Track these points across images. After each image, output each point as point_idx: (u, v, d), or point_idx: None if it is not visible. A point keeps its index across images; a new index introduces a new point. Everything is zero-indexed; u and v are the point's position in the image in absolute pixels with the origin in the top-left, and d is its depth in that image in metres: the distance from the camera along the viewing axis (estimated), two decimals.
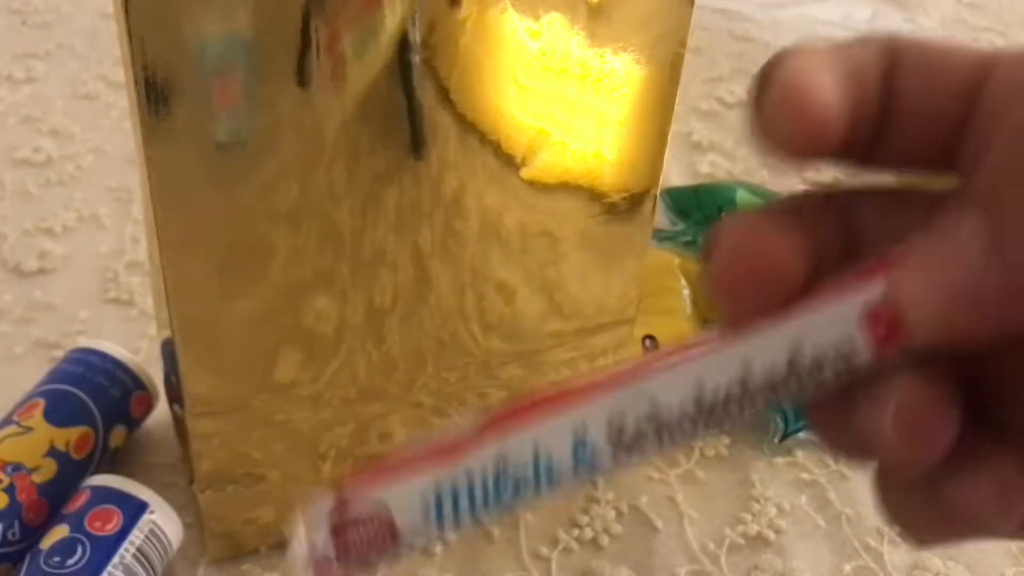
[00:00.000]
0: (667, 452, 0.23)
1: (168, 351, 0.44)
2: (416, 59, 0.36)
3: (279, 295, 0.40)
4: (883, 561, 0.49)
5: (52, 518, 0.45)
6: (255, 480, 0.45)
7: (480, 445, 0.23)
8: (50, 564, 0.42)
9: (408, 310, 0.42)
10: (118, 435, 0.49)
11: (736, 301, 0.22)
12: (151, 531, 0.44)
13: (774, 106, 0.22)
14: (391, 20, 0.35)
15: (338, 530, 0.24)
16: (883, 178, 0.24)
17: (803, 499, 0.52)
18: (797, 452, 0.54)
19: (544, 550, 0.49)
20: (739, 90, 0.77)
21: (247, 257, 0.38)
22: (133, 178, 0.65)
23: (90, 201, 0.65)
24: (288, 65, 0.35)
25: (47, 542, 0.43)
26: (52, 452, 0.46)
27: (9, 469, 0.45)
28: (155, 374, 0.51)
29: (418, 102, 0.37)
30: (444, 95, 0.37)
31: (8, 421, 0.47)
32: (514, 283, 0.43)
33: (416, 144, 0.38)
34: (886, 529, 0.50)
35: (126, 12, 0.32)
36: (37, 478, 0.45)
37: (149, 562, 0.44)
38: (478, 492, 0.23)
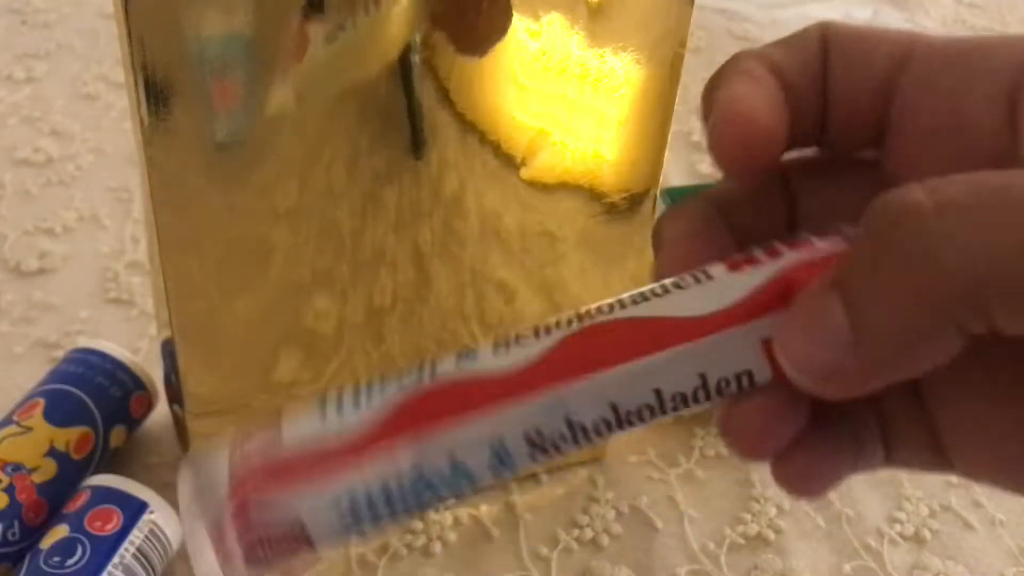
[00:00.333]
0: (585, 448, 0.23)
1: (168, 351, 0.44)
2: (416, 59, 0.36)
3: (279, 295, 0.40)
4: (883, 561, 0.49)
5: (52, 518, 0.45)
6: None
7: (391, 447, 0.23)
8: (50, 564, 0.42)
9: (408, 310, 0.42)
10: (118, 435, 0.49)
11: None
12: (151, 531, 0.44)
13: (718, 133, 0.24)
14: (391, 19, 0.35)
15: (243, 533, 0.23)
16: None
17: (803, 499, 0.52)
18: None
19: (544, 550, 0.49)
20: None
21: (247, 257, 0.38)
22: (133, 178, 0.65)
23: (90, 201, 0.65)
24: (288, 65, 0.35)
25: (47, 542, 0.43)
26: (52, 452, 0.46)
27: (9, 469, 0.45)
28: (155, 374, 0.51)
29: (418, 102, 0.37)
30: (444, 95, 0.37)
31: (8, 421, 0.47)
32: (514, 283, 0.43)
33: (416, 144, 0.38)
34: (886, 529, 0.50)
35: (126, 12, 0.32)
36: (37, 478, 0.45)
37: (149, 562, 0.44)
38: (395, 495, 0.23)
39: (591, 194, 0.42)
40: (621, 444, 0.53)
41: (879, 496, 0.52)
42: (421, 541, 0.48)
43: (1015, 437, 0.23)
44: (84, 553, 0.42)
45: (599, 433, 0.23)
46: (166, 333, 0.43)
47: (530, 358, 0.23)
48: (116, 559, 0.43)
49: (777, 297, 0.23)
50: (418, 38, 0.36)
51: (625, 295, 0.23)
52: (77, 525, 0.43)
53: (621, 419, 0.23)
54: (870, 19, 0.89)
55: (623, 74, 0.39)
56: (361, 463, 0.23)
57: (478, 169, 0.39)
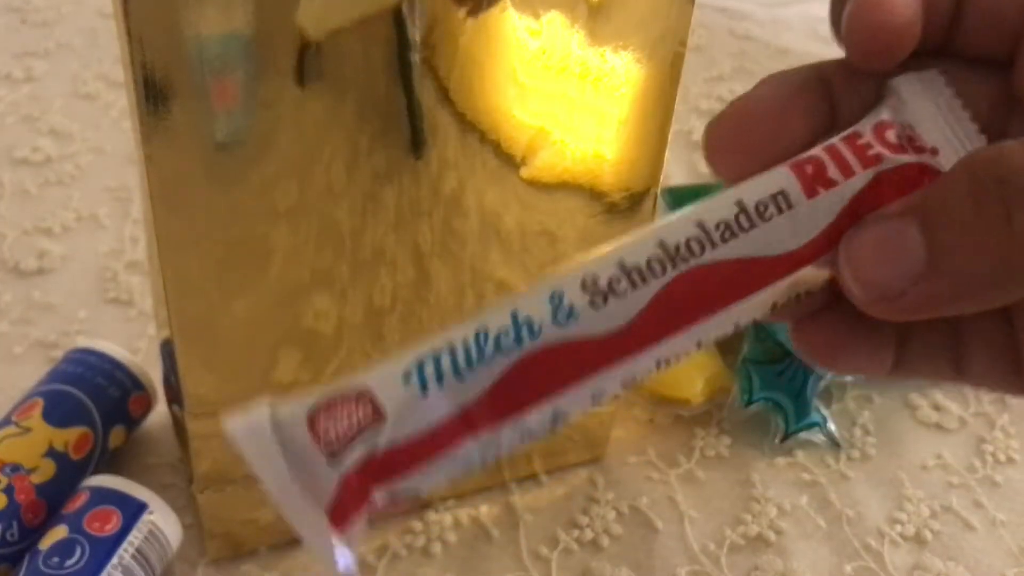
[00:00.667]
0: (642, 299, 0.23)
1: (167, 351, 0.44)
2: (416, 58, 0.36)
3: (278, 295, 0.40)
4: (884, 562, 0.49)
5: (51, 519, 0.45)
6: (254, 480, 0.45)
7: (504, 421, 0.23)
8: (49, 565, 0.42)
9: (408, 310, 0.42)
10: (117, 435, 0.49)
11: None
12: (150, 532, 0.44)
13: (854, 19, 0.24)
14: (391, 19, 0.35)
15: (313, 415, 0.23)
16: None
17: (804, 499, 0.51)
18: (798, 452, 0.53)
19: (544, 550, 0.49)
20: (740, 89, 0.76)
21: (246, 256, 0.38)
22: (132, 178, 0.65)
23: (89, 201, 0.65)
24: (288, 64, 0.35)
25: (46, 543, 0.43)
26: (51, 452, 0.46)
27: (8, 469, 0.45)
28: (154, 374, 0.51)
29: (418, 101, 0.37)
30: (444, 94, 0.37)
31: (7, 421, 0.47)
32: (514, 283, 0.43)
33: (416, 143, 0.38)
34: (887, 529, 0.50)
35: (125, 11, 0.32)
36: (36, 478, 0.45)
37: (148, 562, 0.44)
38: (460, 354, 0.23)
39: (591, 193, 0.42)
40: (621, 444, 0.53)
41: (880, 497, 0.52)
42: (421, 542, 0.48)
43: None
44: (83, 554, 0.42)
45: (652, 270, 0.24)
46: (165, 333, 0.43)
47: (629, 315, 0.23)
48: (115, 560, 0.42)
49: (851, 221, 0.24)
50: (418, 37, 0.36)
51: (709, 221, 0.24)
52: (76, 526, 0.43)
53: (669, 250, 0.24)
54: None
55: (623, 73, 0.39)
56: (478, 436, 0.23)
57: (478, 168, 0.39)
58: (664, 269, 0.23)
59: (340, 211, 0.38)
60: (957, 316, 0.24)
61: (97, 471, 0.47)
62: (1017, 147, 0.22)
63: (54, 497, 0.45)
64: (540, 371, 0.23)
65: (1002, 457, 0.54)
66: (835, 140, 0.24)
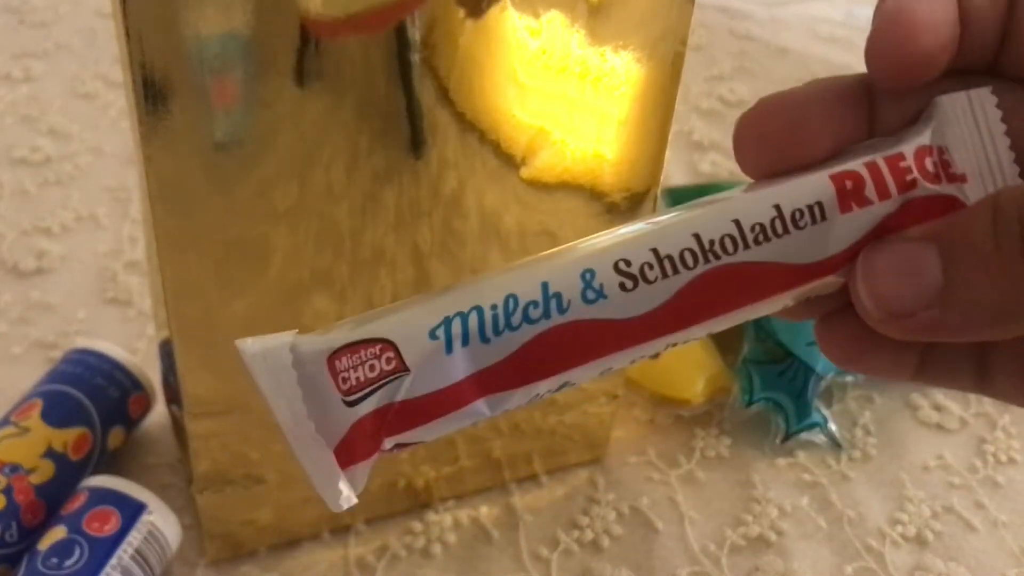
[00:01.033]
0: (669, 291, 0.24)
1: (166, 351, 0.44)
2: (416, 58, 0.36)
3: (278, 295, 0.40)
4: (884, 562, 0.49)
5: (50, 519, 0.44)
6: (254, 481, 0.45)
7: (521, 385, 0.24)
8: (48, 565, 0.42)
9: None
10: (116, 436, 0.49)
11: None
12: (149, 532, 0.44)
13: (875, 38, 0.24)
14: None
15: (335, 355, 0.24)
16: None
17: (804, 500, 0.51)
18: (798, 453, 0.53)
19: (544, 551, 0.49)
20: (740, 88, 0.76)
21: (245, 257, 0.38)
22: (131, 178, 0.65)
23: (88, 201, 0.64)
24: (287, 64, 0.35)
25: (45, 543, 0.43)
26: (50, 453, 0.46)
27: (7, 470, 0.45)
28: (153, 374, 0.51)
29: (417, 101, 0.37)
30: (444, 94, 0.37)
31: (5, 422, 0.47)
32: None
33: (415, 143, 0.38)
34: (888, 530, 0.50)
35: (124, 11, 0.32)
36: (35, 479, 0.45)
37: (147, 563, 0.43)
38: (488, 318, 0.23)
39: (591, 194, 0.42)
40: (621, 445, 0.53)
41: (881, 497, 0.52)
42: (420, 542, 0.48)
43: None
44: (82, 554, 0.42)
45: (684, 261, 0.24)
46: (164, 333, 0.43)
47: (655, 303, 0.24)
48: (114, 560, 0.42)
49: (874, 239, 0.24)
50: (418, 37, 0.35)
51: (746, 221, 0.24)
52: (75, 526, 0.43)
53: (704, 243, 0.24)
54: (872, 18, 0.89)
55: (623, 73, 0.39)
56: (490, 397, 0.24)
57: (478, 168, 0.39)
58: (696, 262, 0.24)
59: (340, 211, 0.38)
60: None
61: (96, 471, 0.47)
62: None
63: (53, 498, 0.45)
64: (561, 345, 0.24)
65: (1003, 458, 0.54)
66: (878, 157, 0.25)
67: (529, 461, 0.51)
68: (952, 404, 0.56)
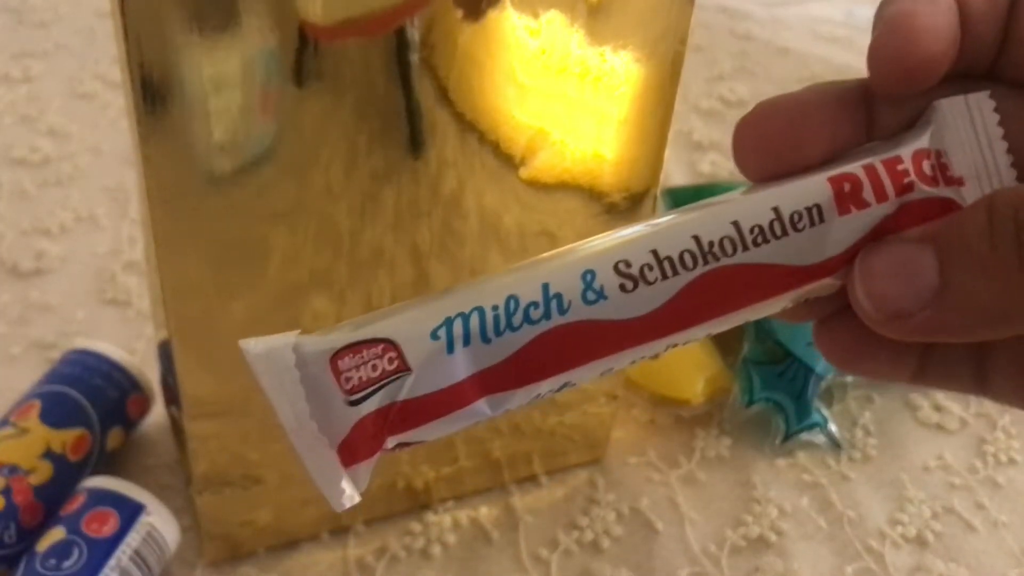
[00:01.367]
0: (669, 292, 0.24)
1: (165, 352, 0.43)
2: (415, 58, 0.36)
3: (277, 295, 0.40)
4: (884, 563, 0.49)
5: (48, 520, 0.44)
6: (252, 482, 0.45)
7: (521, 385, 0.24)
8: (46, 567, 0.42)
9: None
10: (115, 437, 0.49)
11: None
12: (148, 533, 0.44)
13: (877, 46, 0.24)
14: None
15: (337, 355, 0.24)
16: None
17: (804, 501, 0.51)
18: (798, 453, 0.53)
19: (544, 552, 0.48)
20: (740, 88, 0.76)
21: (244, 257, 0.38)
22: (130, 178, 0.65)
23: (87, 201, 0.64)
24: (287, 64, 0.34)
25: (43, 544, 0.43)
26: (48, 454, 0.46)
27: (5, 471, 0.45)
28: (152, 375, 0.51)
29: (417, 101, 0.37)
30: (443, 94, 0.37)
31: (4, 423, 0.47)
32: None
33: (415, 143, 0.38)
34: (888, 531, 0.50)
35: (123, 11, 0.32)
36: (33, 480, 0.45)
37: (146, 564, 0.43)
38: (489, 318, 0.24)
39: (591, 194, 0.42)
40: (621, 445, 0.53)
41: (881, 498, 0.52)
42: (420, 543, 0.48)
43: None
44: (80, 555, 0.42)
45: (683, 262, 0.25)
46: (163, 334, 0.43)
47: (655, 304, 0.24)
48: (113, 561, 0.42)
49: (871, 240, 0.25)
50: (417, 37, 0.35)
51: (745, 223, 0.24)
52: (73, 527, 0.43)
53: (703, 244, 0.25)
54: (872, 18, 0.89)
55: (623, 73, 0.39)
56: (492, 397, 0.24)
57: (477, 168, 0.39)
58: (695, 264, 0.24)
59: (339, 211, 0.38)
60: None
61: (95, 472, 0.47)
62: None
63: (52, 499, 0.45)
64: (562, 346, 0.24)
65: (1003, 458, 0.54)
66: (876, 160, 0.25)
67: (529, 461, 0.51)
68: (952, 404, 0.56)
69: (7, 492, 0.44)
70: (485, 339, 0.24)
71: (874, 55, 0.25)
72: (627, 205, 0.43)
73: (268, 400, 0.24)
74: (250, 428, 0.43)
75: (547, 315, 0.24)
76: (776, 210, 0.25)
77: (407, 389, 0.24)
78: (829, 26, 0.84)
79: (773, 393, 0.53)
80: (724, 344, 0.55)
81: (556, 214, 0.42)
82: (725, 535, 0.50)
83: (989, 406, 0.56)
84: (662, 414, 0.55)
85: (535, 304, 0.24)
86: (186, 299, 0.39)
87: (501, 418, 0.26)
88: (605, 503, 0.51)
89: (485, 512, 0.50)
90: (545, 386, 0.25)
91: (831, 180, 0.25)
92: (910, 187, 0.25)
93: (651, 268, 0.24)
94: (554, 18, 0.37)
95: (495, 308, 0.24)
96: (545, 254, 0.25)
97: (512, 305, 0.24)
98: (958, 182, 0.25)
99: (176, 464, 0.50)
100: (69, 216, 0.63)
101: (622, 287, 0.24)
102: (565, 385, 0.25)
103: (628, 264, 0.24)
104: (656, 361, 0.26)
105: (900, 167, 0.25)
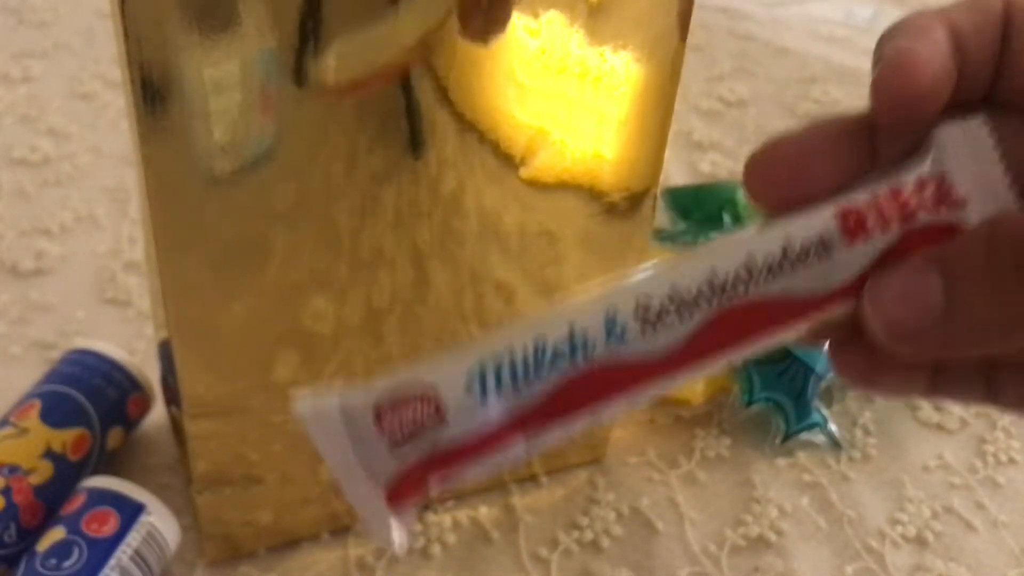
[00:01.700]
0: (688, 329, 0.26)
1: (165, 352, 0.43)
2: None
3: (277, 295, 0.40)
4: (884, 563, 0.49)
5: (48, 520, 0.44)
6: (253, 482, 0.45)
7: (552, 426, 0.26)
8: (46, 566, 0.42)
9: (406, 310, 0.42)
10: (115, 436, 0.49)
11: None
12: (148, 533, 0.44)
13: (881, 82, 0.26)
14: (389, 19, 0.35)
15: (380, 406, 0.26)
16: None
17: (805, 501, 0.51)
18: (799, 453, 0.53)
19: (544, 552, 0.48)
20: (740, 88, 0.76)
21: (244, 257, 0.38)
22: (130, 178, 0.65)
23: (87, 201, 0.64)
24: (287, 64, 0.34)
25: (43, 544, 0.43)
26: (48, 454, 0.46)
27: (5, 471, 0.45)
28: (152, 375, 0.51)
29: (416, 101, 0.37)
30: (443, 94, 0.37)
31: (4, 422, 0.47)
32: (513, 283, 0.43)
33: (415, 143, 0.38)
34: (888, 530, 0.50)
35: (123, 11, 0.32)
36: (33, 480, 0.45)
37: (146, 564, 0.43)
38: (519, 366, 0.26)
39: (591, 193, 0.42)
40: (621, 445, 0.53)
41: (881, 497, 0.52)
42: (420, 543, 0.48)
43: None
44: (81, 555, 0.42)
45: (699, 305, 0.26)
46: (163, 334, 0.43)
47: (675, 342, 0.26)
48: (113, 561, 0.42)
49: (878, 267, 0.26)
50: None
51: (758, 256, 0.26)
52: (74, 527, 0.43)
53: (716, 286, 0.26)
54: (872, 18, 0.89)
55: (623, 73, 0.39)
56: (527, 437, 0.26)
57: (477, 169, 0.39)
58: (710, 303, 0.26)
59: (339, 211, 0.38)
60: None
61: (95, 472, 0.47)
62: None
63: (52, 498, 0.45)
64: (591, 386, 0.26)
65: (1003, 458, 0.54)
66: (880, 191, 0.26)
67: (529, 461, 0.51)
68: (952, 404, 0.56)
69: (7, 492, 0.44)
70: (515, 385, 0.26)
71: (877, 90, 0.26)
72: (627, 205, 0.43)
73: (319, 452, 0.27)
74: (250, 428, 0.43)
75: (573, 357, 0.26)
76: (787, 241, 0.26)
77: (446, 435, 0.26)
78: (829, 26, 0.84)
79: (773, 393, 0.53)
80: None
81: (556, 214, 0.42)
82: (725, 535, 0.50)
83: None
84: (662, 414, 0.55)
85: (561, 345, 0.26)
86: (186, 299, 0.39)
87: None
88: (605, 503, 0.51)
89: (485, 512, 0.50)
90: (577, 424, 0.27)
91: (836, 215, 0.26)
92: (913, 214, 0.26)
93: (667, 311, 0.26)
94: (554, 18, 0.37)
95: (524, 351, 0.26)
96: (567, 300, 0.27)
97: (540, 350, 0.26)
98: (959, 206, 0.26)
99: (176, 464, 0.50)
100: (69, 216, 0.63)
101: (642, 330, 0.26)
102: (596, 419, 0.27)
103: (647, 306, 0.26)
104: None
105: (902, 197, 0.26)
